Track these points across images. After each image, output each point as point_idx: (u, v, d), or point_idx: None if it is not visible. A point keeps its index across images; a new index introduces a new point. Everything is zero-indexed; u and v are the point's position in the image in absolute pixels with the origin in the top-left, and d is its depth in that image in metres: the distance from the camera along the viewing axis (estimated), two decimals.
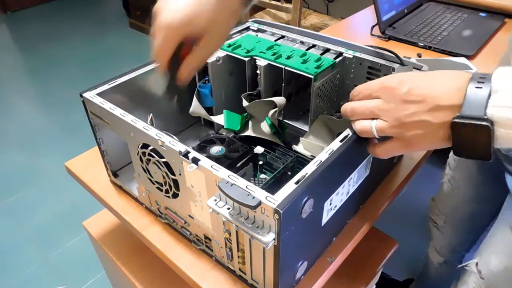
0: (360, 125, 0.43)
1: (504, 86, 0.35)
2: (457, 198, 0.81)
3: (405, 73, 0.42)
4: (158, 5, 0.42)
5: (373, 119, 0.42)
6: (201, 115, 0.68)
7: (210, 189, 0.45)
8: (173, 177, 0.49)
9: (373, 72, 0.64)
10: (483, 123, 0.34)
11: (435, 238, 0.94)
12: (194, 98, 0.66)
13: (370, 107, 0.42)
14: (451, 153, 0.78)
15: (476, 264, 0.67)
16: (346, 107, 0.45)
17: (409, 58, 0.61)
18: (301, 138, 0.62)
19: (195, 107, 0.67)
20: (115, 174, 0.65)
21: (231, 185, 0.41)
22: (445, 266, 0.94)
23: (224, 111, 0.66)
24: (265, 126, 0.64)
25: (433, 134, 0.38)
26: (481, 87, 0.35)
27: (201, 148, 0.59)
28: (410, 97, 0.39)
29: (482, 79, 0.36)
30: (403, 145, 0.41)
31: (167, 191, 0.52)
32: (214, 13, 0.42)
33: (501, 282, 0.63)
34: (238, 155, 0.57)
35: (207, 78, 0.66)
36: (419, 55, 1.04)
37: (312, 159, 0.44)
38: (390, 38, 1.13)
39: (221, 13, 0.43)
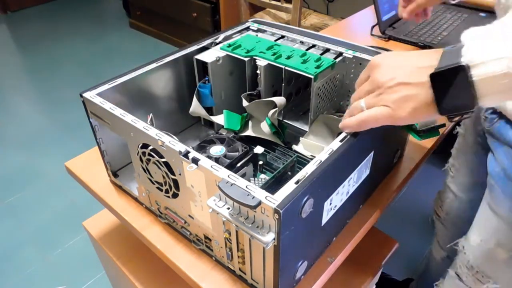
0: (354, 104, 0.46)
1: (475, 41, 0.37)
2: (456, 186, 0.83)
3: (387, 52, 0.46)
4: None
5: None
6: (201, 115, 0.68)
7: (210, 189, 0.45)
8: (173, 177, 0.49)
9: None
10: (459, 64, 0.36)
11: (439, 232, 0.95)
12: (194, 98, 0.66)
13: (363, 88, 0.46)
14: (457, 143, 0.79)
15: (463, 243, 0.70)
16: (352, 98, 0.48)
17: None
18: (301, 138, 0.62)
19: (195, 107, 0.67)
20: (115, 174, 0.65)
21: (231, 185, 0.41)
22: (447, 261, 0.95)
23: (224, 111, 0.66)
24: (265, 126, 0.64)
25: (415, 96, 0.40)
26: (454, 46, 0.38)
27: (201, 148, 0.59)
28: (391, 66, 0.42)
29: (455, 44, 0.39)
30: (390, 111, 0.42)
31: (167, 191, 0.52)
32: None
33: (478, 255, 0.66)
34: (238, 155, 0.57)
35: (207, 78, 0.67)
36: None
37: (312, 159, 0.44)
38: (390, 38, 1.13)
39: None
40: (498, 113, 0.59)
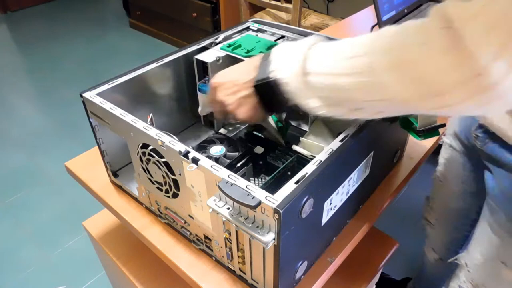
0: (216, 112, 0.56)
1: (277, 54, 0.47)
2: (446, 194, 0.83)
3: (222, 71, 0.54)
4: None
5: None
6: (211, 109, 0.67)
7: (210, 189, 0.45)
8: (173, 177, 0.49)
9: None
10: (269, 82, 0.46)
11: (430, 236, 0.95)
12: (199, 96, 0.66)
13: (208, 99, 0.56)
14: (442, 150, 0.78)
15: (464, 258, 0.69)
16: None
17: None
18: (301, 138, 0.62)
19: (203, 101, 0.66)
20: (115, 174, 0.65)
21: (231, 185, 0.41)
22: (441, 263, 0.95)
23: None
24: (271, 121, 0.64)
25: (251, 104, 0.50)
26: (266, 59, 0.48)
27: (201, 148, 0.59)
28: (224, 86, 0.52)
29: (269, 53, 0.48)
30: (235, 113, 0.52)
31: (167, 191, 0.52)
32: None
33: (483, 274, 0.65)
34: (238, 155, 0.57)
35: (207, 78, 0.67)
36: None
37: (312, 159, 0.44)
38: None
39: None
40: (489, 133, 0.58)
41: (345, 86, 0.40)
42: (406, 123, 0.54)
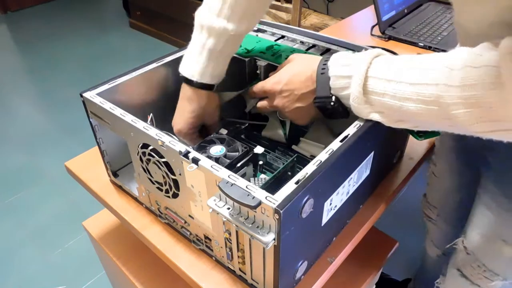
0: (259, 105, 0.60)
1: (336, 71, 0.48)
2: (443, 189, 0.83)
3: (279, 73, 0.55)
4: None
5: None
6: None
7: (210, 189, 0.45)
8: (173, 177, 0.49)
9: None
10: (331, 99, 0.49)
11: (431, 232, 0.95)
12: None
13: (264, 104, 0.59)
14: (435, 144, 0.79)
15: (462, 242, 0.70)
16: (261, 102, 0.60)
17: None
18: (301, 138, 0.62)
19: None
20: (115, 174, 0.65)
21: (231, 185, 0.41)
22: (443, 258, 0.95)
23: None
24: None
25: (307, 112, 0.54)
26: (323, 73, 0.49)
27: (201, 148, 0.59)
28: (283, 93, 0.54)
29: (325, 64, 0.49)
30: (287, 112, 0.55)
31: (167, 191, 0.52)
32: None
33: (483, 254, 0.67)
34: (238, 155, 0.57)
35: None
36: None
37: (312, 159, 0.44)
38: (390, 38, 1.13)
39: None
40: None
41: (410, 110, 0.42)
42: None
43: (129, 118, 0.51)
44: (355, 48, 0.65)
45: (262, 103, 0.59)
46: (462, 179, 0.77)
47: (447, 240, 0.93)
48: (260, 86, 0.58)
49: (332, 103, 0.49)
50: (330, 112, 0.51)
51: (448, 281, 0.78)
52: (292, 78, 0.53)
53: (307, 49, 0.67)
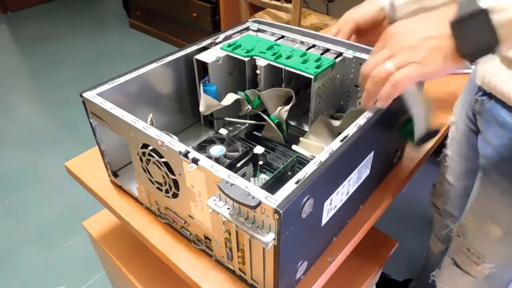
0: (380, 69, 0.46)
1: None
2: (450, 174, 0.84)
3: (399, 21, 0.47)
4: None
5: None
6: (214, 108, 0.66)
7: (210, 189, 0.45)
8: (173, 177, 0.49)
9: None
10: (480, 9, 0.39)
11: (437, 224, 0.95)
12: (203, 96, 0.65)
13: (382, 55, 0.46)
14: (449, 131, 0.79)
15: (457, 227, 0.72)
16: (363, 68, 0.48)
17: None
18: (301, 138, 0.62)
19: (208, 101, 0.65)
20: (115, 174, 0.65)
21: (231, 185, 0.41)
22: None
23: (239, 92, 0.66)
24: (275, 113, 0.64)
25: (440, 47, 0.42)
26: None
27: (201, 148, 0.59)
28: (408, 30, 0.44)
29: None
30: (420, 68, 0.43)
31: (167, 191, 0.52)
32: None
33: (473, 235, 0.68)
34: (238, 155, 0.57)
35: (207, 78, 0.66)
36: None
37: (312, 159, 0.44)
38: None
39: None
40: (488, 94, 0.60)
41: None
42: (404, 135, 0.55)
43: (129, 118, 0.51)
44: (355, 48, 0.65)
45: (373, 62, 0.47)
46: (470, 165, 0.78)
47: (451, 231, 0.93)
48: (373, 52, 0.48)
49: (475, 22, 0.39)
50: (472, 40, 0.40)
51: (443, 272, 0.80)
52: (420, 23, 0.45)
53: (307, 49, 0.67)
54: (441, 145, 0.80)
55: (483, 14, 0.39)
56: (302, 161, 0.59)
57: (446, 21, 0.41)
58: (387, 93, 0.46)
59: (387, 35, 0.46)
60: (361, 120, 0.49)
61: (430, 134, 0.52)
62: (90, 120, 0.58)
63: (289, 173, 0.57)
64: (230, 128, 0.71)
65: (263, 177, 0.58)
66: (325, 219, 0.49)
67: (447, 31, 0.41)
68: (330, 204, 0.48)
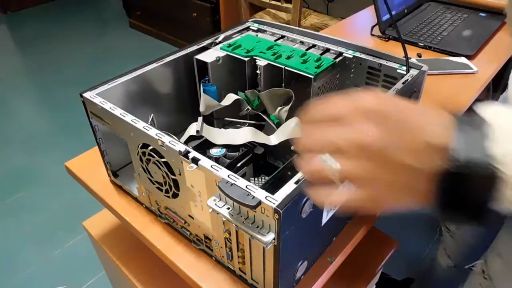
0: (313, 163, 0.31)
1: (501, 119, 0.28)
2: None
3: (384, 94, 0.32)
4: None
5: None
6: (214, 108, 0.66)
7: (210, 189, 0.45)
8: (173, 177, 0.49)
9: (373, 72, 0.64)
10: (486, 165, 0.26)
11: (447, 243, 0.93)
12: (203, 96, 0.66)
13: (332, 137, 0.30)
14: None
15: (482, 265, 0.68)
16: (298, 141, 0.34)
17: (410, 58, 0.61)
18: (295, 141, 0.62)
19: (207, 102, 0.65)
20: (115, 174, 0.65)
21: (231, 185, 0.41)
22: (454, 270, 0.93)
23: (239, 92, 0.66)
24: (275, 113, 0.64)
25: (412, 185, 0.29)
26: (471, 125, 0.28)
27: (201, 148, 0.59)
28: (392, 126, 0.29)
29: (468, 117, 0.29)
30: (367, 198, 0.30)
31: (167, 191, 0.52)
32: None
33: (502, 281, 0.64)
34: (238, 155, 0.57)
35: (207, 78, 0.66)
36: (419, 55, 1.04)
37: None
38: (390, 38, 1.13)
39: None
40: None
41: None
42: None
43: (129, 118, 0.51)
44: (355, 48, 0.65)
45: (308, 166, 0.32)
46: None
47: (463, 255, 0.91)
48: (328, 102, 0.33)
49: (473, 176, 0.27)
50: (462, 194, 0.28)
51: None
52: (414, 112, 0.30)
53: (307, 49, 0.67)
54: None
55: (491, 164, 0.26)
56: None
57: (439, 149, 0.28)
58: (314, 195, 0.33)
59: (363, 109, 0.30)
60: None
61: None
62: (90, 120, 0.58)
63: (289, 173, 0.57)
64: (230, 128, 0.70)
65: (263, 177, 0.58)
66: (325, 219, 0.49)
67: (434, 172, 0.28)
68: None
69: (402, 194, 0.30)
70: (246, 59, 0.65)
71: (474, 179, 0.27)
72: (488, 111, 0.29)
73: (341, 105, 0.32)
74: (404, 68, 0.60)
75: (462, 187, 0.27)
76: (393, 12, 1.20)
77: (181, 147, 0.45)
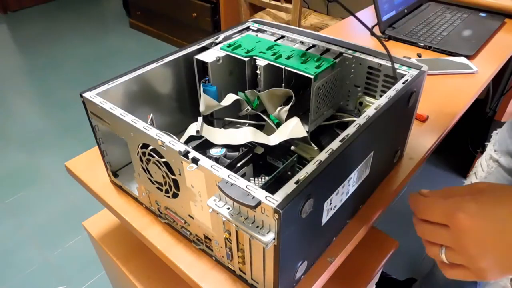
0: (431, 252, 0.42)
1: None
2: None
3: (477, 210, 0.37)
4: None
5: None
6: (214, 108, 0.67)
7: (210, 189, 0.45)
8: (173, 177, 0.49)
9: (373, 72, 0.64)
10: None
11: None
12: (203, 96, 0.66)
13: (440, 239, 0.40)
14: (483, 163, 0.77)
15: (511, 280, 0.68)
16: (418, 221, 0.43)
17: (409, 58, 0.61)
18: (296, 141, 0.62)
19: (207, 102, 0.65)
20: (115, 174, 0.65)
21: (231, 185, 0.41)
22: None
23: (239, 92, 0.66)
24: (275, 113, 0.64)
25: (505, 262, 0.36)
26: None
27: (201, 148, 0.59)
28: (485, 239, 0.36)
29: None
30: (475, 276, 0.38)
31: (167, 191, 0.52)
32: None
33: None
34: (238, 155, 0.57)
35: (207, 78, 0.67)
36: (419, 55, 1.04)
37: (312, 159, 0.44)
38: (390, 38, 1.13)
39: None
40: None
41: None
42: None
43: (129, 118, 0.51)
44: (355, 48, 0.65)
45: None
46: None
47: None
48: (440, 207, 0.40)
49: None
50: None
51: None
52: (500, 231, 0.36)
53: (307, 49, 0.67)
54: (442, 146, 0.80)
55: None
56: (302, 161, 0.59)
57: None
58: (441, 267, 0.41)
59: (458, 227, 0.37)
60: (361, 120, 0.49)
61: None
62: (90, 120, 0.58)
63: (289, 173, 0.57)
64: (230, 128, 0.70)
65: (263, 177, 0.58)
66: (325, 219, 0.49)
67: None
68: (330, 204, 0.48)
69: (496, 269, 0.37)
70: (246, 59, 0.65)
71: None
72: None
73: (444, 214, 0.40)
74: (404, 68, 0.60)
75: None
76: (393, 12, 1.20)
77: (181, 147, 0.45)
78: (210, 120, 0.72)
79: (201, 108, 0.65)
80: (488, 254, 0.36)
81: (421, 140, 0.74)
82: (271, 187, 0.53)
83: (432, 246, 0.41)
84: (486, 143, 0.85)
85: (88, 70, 2.63)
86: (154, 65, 0.63)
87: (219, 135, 0.60)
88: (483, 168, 0.79)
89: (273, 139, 0.58)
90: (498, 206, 0.36)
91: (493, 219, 0.36)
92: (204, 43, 0.69)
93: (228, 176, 0.42)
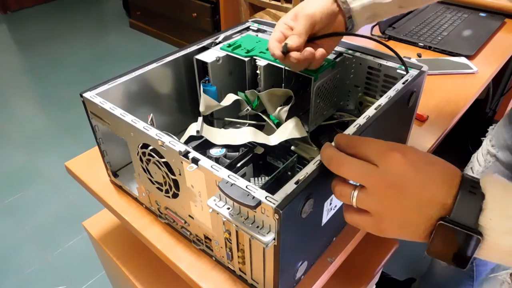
0: (340, 192, 0.39)
1: (496, 197, 0.33)
2: None
3: (410, 150, 0.37)
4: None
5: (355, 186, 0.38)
6: (214, 108, 0.67)
7: (210, 189, 0.45)
8: (173, 177, 0.49)
9: (373, 72, 0.64)
10: (474, 234, 0.32)
11: None
12: (203, 96, 0.66)
13: (361, 172, 0.37)
14: (480, 158, 0.77)
15: (510, 274, 0.67)
16: (331, 153, 0.40)
17: (409, 58, 0.61)
18: (296, 141, 0.62)
19: (207, 102, 0.65)
20: (115, 174, 0.65)
21: (231, 185, 0.41)
22: (454, 268, 0.94)
23: (239, 92, 0.66)
24: (275, 113, 0.64)
25: (412, 226, 0.36)
26: (474, 193, 0.34)
27: (201, 148, 0.59)
28: (407, 180, 0.35)
29: (474, 185, 0.35)
30: (374, 226, 0.38)
31: (167, 191, 0.52)
32: None
33: None
34: (238, 155, 0.57)
35: (207, 78, 0.67)
36: (419, 55, 1.04)
37: (312, 159, 0.44)
38: (390, 38, 1.13)
39: None
40: None
41: None
42: None
43: (129, 118, 0.51)
44: (355, 48, 0.65)
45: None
46: None
47: None
48: (367, 141, 0.39)
49: (467, 237, 0.33)
50: (447, 247, 0.35)
51: None
52: (428, 171, 0.36)
53: None
54: (442, 146, 0.80)
55: (478, 233, 0.33)
56: (302, 161, 0.59)
57: (438, 205, 0.34)
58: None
59: (386, 156, 0.37)
60: (361, 120, 0.49)
61: None
62: (90, 120, 0.58)
63: (289, 173, 0.57)
64: (230, 128, 0.70)
65: (263, 177, 0.58)
66: (325, 219, 0.49)
67: (433, 218, 0.35)
68: (330, 204, 0.48)
69: (404, 233, 0.37)
70: (246, 59, 0.65)
71: (461, 235, 0.33)
72: (490, 183, 0.35)
73: (374, 147, 0.38)
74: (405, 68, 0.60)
75: (451, 237, 0.34)
76: None
77: (181, 147, 0.45)
78: (210, 120, 0.72)
79: (201, 108, 0.65)
80: (403, 194, 0.35)
81: (421, 140, 0.74)
82: (271, 187, 0.53)
83: (344, 185, 0.39)
84: (482, 138, 0.85)
85: (88, 70, 2.63)
86: (154, 65, 0.63)
87: (219, 135, 0.60)
88: (480, 163, 0.79)
89: (273, 139, 0.58)
90: (430, 166, 0.36)
91: (421, 157, 0.37)
92: (204, 43, 0.69)
93: (228, 176, 0.42)
